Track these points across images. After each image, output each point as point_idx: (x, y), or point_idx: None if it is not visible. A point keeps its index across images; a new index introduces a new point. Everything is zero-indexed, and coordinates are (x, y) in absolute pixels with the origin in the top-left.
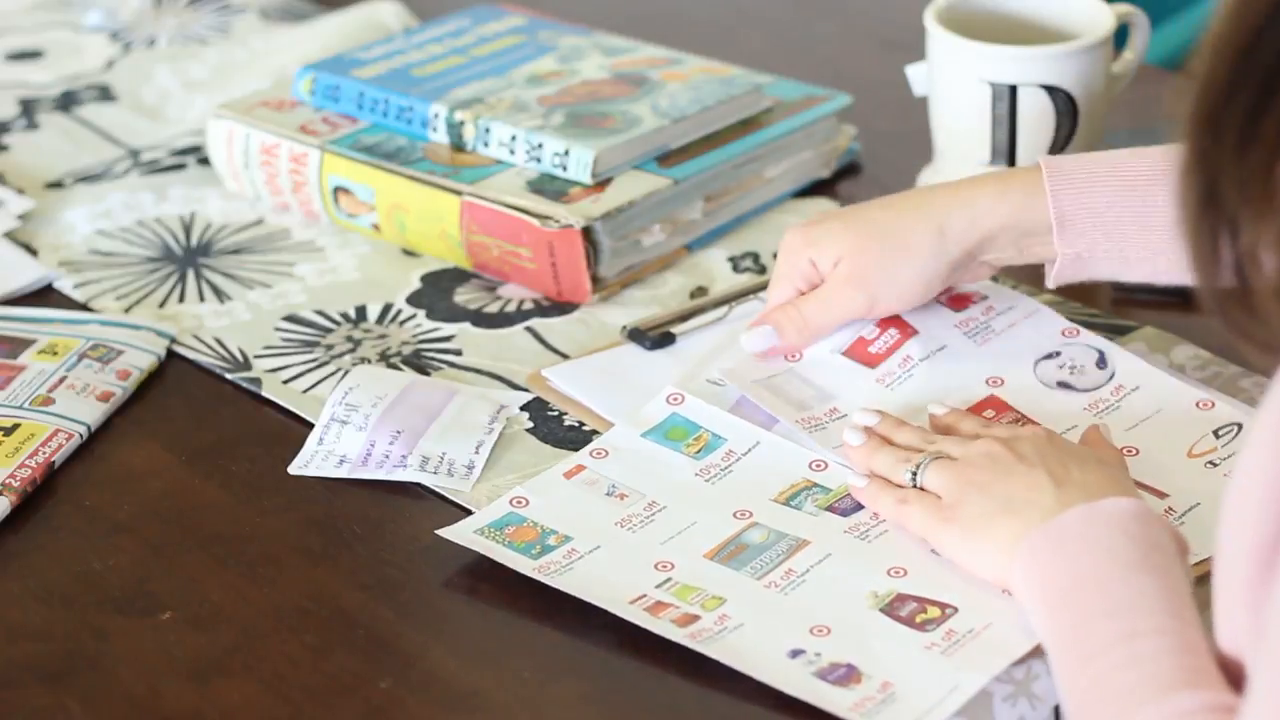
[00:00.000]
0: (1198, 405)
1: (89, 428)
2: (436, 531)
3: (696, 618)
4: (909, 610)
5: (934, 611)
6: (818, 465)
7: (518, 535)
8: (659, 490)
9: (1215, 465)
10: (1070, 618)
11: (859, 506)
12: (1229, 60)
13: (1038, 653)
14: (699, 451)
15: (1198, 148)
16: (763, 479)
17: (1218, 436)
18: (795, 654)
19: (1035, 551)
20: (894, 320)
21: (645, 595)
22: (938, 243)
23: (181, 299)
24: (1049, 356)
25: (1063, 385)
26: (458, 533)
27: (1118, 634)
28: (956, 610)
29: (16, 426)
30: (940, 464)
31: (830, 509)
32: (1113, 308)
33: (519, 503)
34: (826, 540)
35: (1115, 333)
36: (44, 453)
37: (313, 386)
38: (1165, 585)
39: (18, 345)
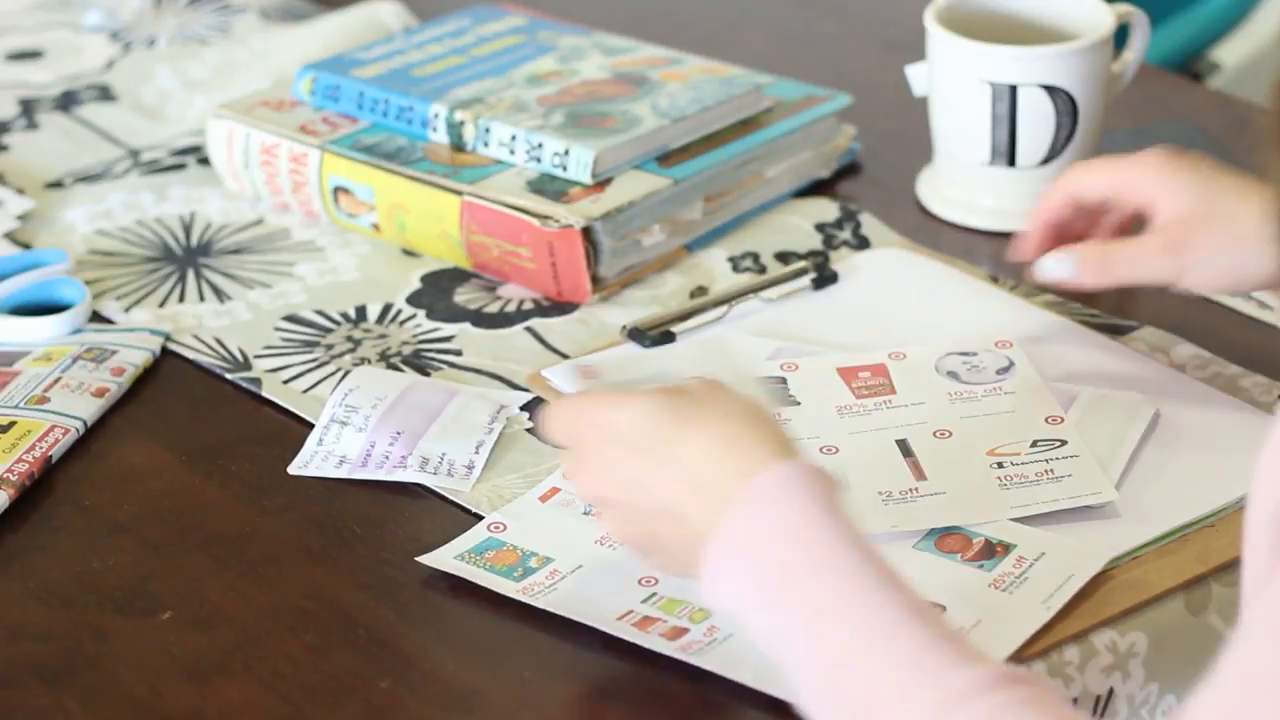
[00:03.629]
0: (1046, 420)
1: (85, 422)
2: (417, 559)
3: (686, 630)
4: None
5: None
6: None
7: (498, 559)
8: None
9: (1000, 468)
10: (787, 634)
11: None
12: None
13: (1032, 652)
14: None
15: None
16: None
17: (1033, 446)
18: None
19: (716, 584)
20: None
21: (632, 611)
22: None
23: (181, 299)
24: (966, 355)
25: (951, 374)
26: (438, 559)
27: (852, 633)
28: (944, 609)
29: (13, 424)
30: (603, 516)
31: None
32: (1113, 307)
33: (496, 528)
34: None
35: (1115, 332)
36: (40, 447)
37: (313, 386)
38: (855, 557)
39: (13, 354)
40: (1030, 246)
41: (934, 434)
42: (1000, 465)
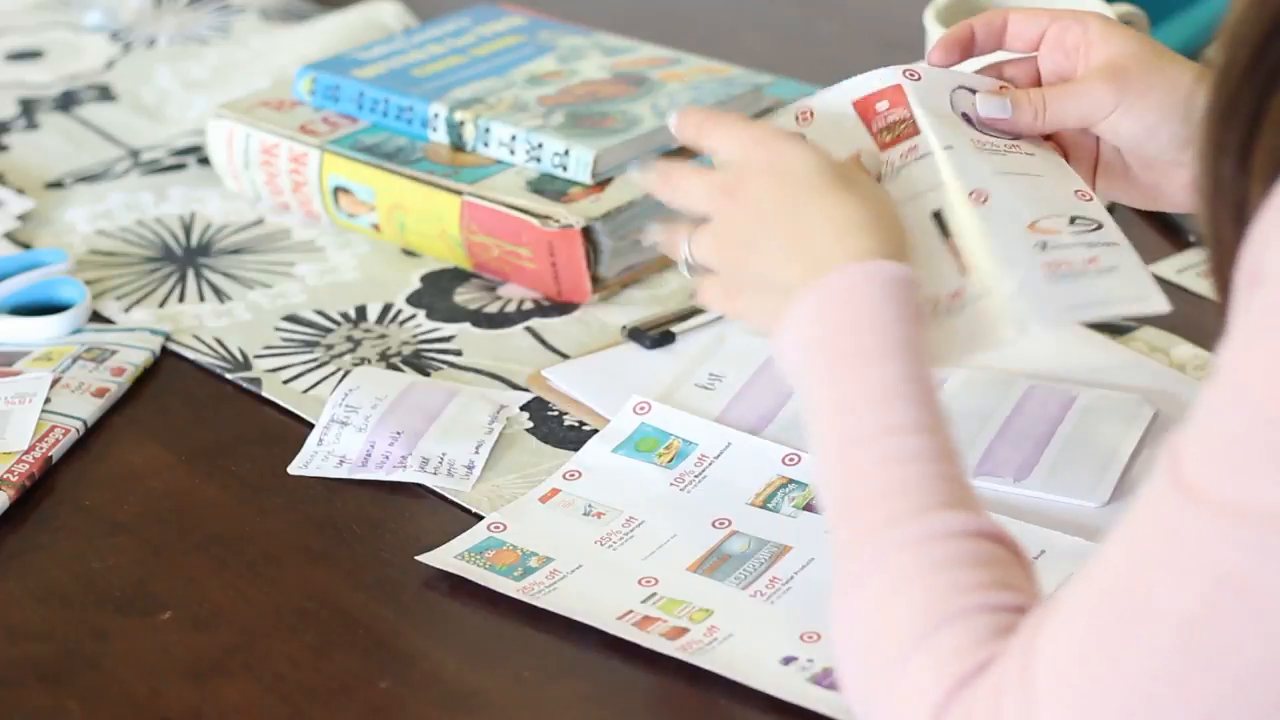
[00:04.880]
0: (1076, 194)
1: (85, 423)
2: (417, 558)
3: (685, 630)
4: None
5: None
6: (790, 459)
7: (498, 559)
8: (635, 505)
9: (1045, 250)
10: (824, 403)
11: None
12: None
13: None
14: (671, 460)
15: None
16: (737, 481)
17: (1072, 224)
18: (787, 661)
19: (785, 338)
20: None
21: (632, 611)
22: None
23: (181, 299)
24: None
25: (965, 118)
26: (438, 558)
27: (876, 427)
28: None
29: None
30: (699, 235)
31: (808, 508)
32: None
33: (497, 528)
34: (808, 544)
35: (1115, 332)
36: (41, 448)
37: (313, 386)
38: (914, 369)
39: (14, 354)
40: (944, 50)
41: (970, 196)
42: (1044, 247)
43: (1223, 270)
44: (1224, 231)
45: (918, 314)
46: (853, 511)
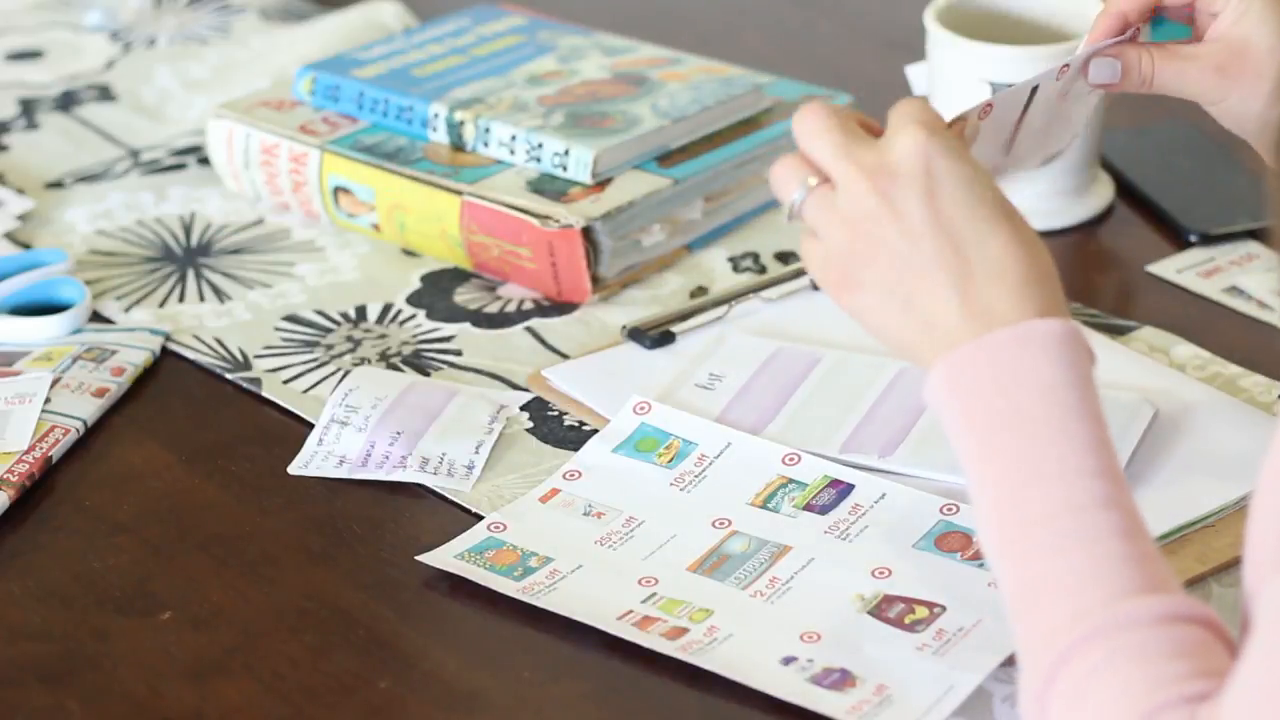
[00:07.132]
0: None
1: (85, 423)
2: (417, 558)
3: (685, 630)
4: (897, 611)
5: (922, 611)
6: (790, 459)
7: (498, 559)
8: (635, 505)
9: None
10: (1000, 472)
11: (836, 503)
12: None
13: None
14: (671, 460)
15: None
16: (737, 481)
17: None
18: (787, 661)
19: (948, 386)
20: None
21: (632, 611)
22: None
23: (181, 299)
24: None
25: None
26: (438, 558)
27: (1060, 503)
28: (944, 609)
29: None
30: (819, 200)
31: (808, 507)
32: (1113, 307)
33: (497, 528)
34: (808, 544)
35: (1115, 332)
36: (41, 448)
37: (313, 386)
38: (1100, 435)
39: (14, 354)
40: (1098, 35)
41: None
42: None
43: None
44: None
45: (1090, 372)
46: (1037, 601)
